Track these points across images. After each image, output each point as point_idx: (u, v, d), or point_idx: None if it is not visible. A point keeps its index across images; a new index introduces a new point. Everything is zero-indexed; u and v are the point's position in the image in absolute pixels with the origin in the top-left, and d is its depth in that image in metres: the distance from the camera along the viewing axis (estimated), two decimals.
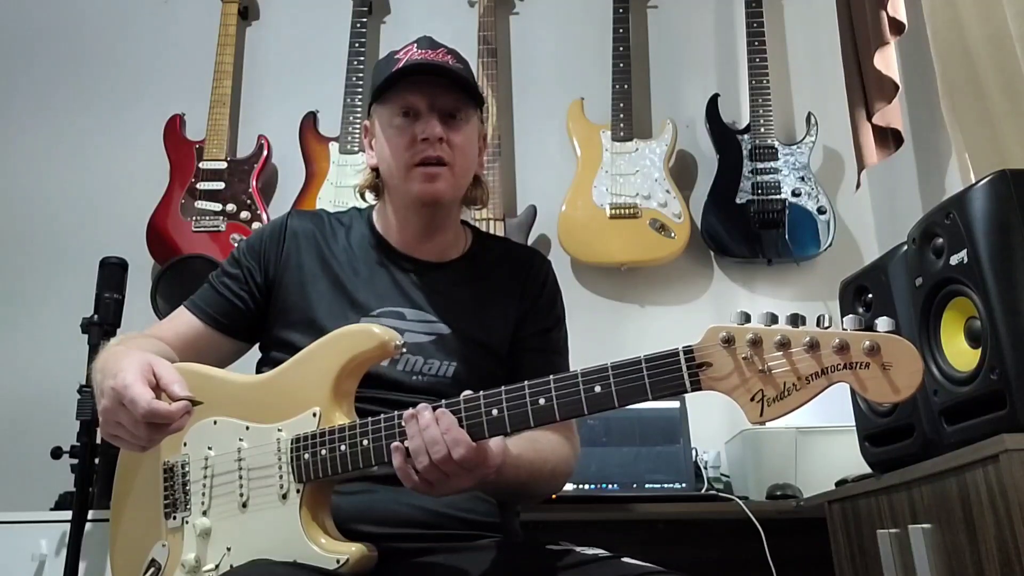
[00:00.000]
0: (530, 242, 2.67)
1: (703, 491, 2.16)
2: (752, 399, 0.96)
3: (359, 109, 2.78)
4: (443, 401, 1.09)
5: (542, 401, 1.05)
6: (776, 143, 2.70)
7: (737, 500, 2.04)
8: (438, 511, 1.24)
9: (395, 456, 1.08)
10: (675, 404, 2.24)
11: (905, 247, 1.55)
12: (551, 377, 1.06)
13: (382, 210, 1.47)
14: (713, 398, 1.02)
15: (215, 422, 1.25)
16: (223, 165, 2.78)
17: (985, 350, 1.30)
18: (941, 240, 1.41)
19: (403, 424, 1.09)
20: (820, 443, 2.13)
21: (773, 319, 0.97)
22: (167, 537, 1.25)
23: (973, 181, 1.45)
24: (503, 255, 1.49)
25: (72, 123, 2.97)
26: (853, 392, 1.61)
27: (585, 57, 2.93)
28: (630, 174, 2.69)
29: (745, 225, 2.63)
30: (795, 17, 2.96)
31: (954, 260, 1.37)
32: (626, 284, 2.73)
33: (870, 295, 1.67)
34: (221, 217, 2.71)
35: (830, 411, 1.81)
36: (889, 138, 2.46)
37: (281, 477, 1.17)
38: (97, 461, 2.02)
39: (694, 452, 2.24)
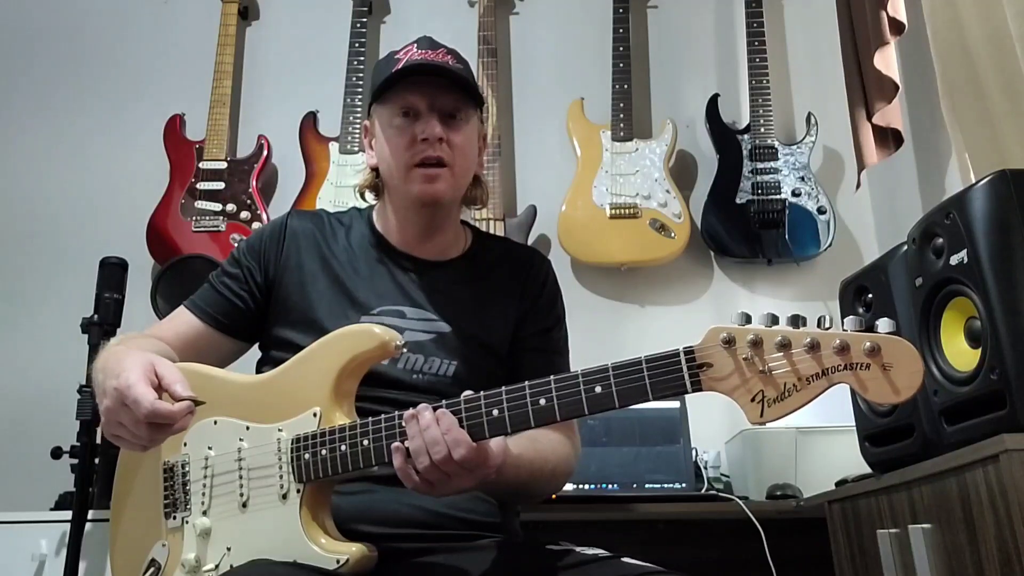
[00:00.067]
0: (530, 242, 2.67)
1: (703, 491, 2.16)
2: (753, 400, 0.97)
3: (359, 109, 2.78)
4: (444, 401, 1.09)
5: (543, 401, 1.05)
6: (776, 143, 2.70)
7: (737, 500, 2.04)
8: (438, 511, 1.24)
9: (396, 456, 1.08)
10: (675, 404, 2.24)
11: (905, 247, 1.55)
12: (552, 377, 1.06)
13: (382, 210, 1.47)
14: (713, 398, 1.02)
15: (215, 422, 1.25)
16: (223, 165, 2.78)
17: (985, 350, 1.30)
18: (941, 240, 1.41)
19: (403, 424, 1.09)
20: (820, 443, 2.13)
21: (774, 320, 0.98)
22: (167, 537, 1.25)
23: (973, 181, 1.45)
24: (503, 255, 1.50)
25: (72, 123, 2.97)
26: (853, 392, 1.61)
27: (585, 57, 2.93)
28: (630, 174, 2.69)
29: (745, 225, 2.63)
30: (795, 17, 2.96)
31: (954, 260, 1.37)
32: (626, 284, 2.73)
33: (870, 295, 1.67)
34: (221, 217, 2.71)
35: (830, 411, 1.82)
36: (889, 138, 2.46)
37: (281, 477, 1.17)
38: (97, 461, 2.02)
39: (694, 452, 2.24)
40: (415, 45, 1.39)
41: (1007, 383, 1.25)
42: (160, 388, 1.13)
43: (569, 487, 2.14)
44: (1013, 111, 1.97)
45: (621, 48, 2.81)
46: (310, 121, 2.83)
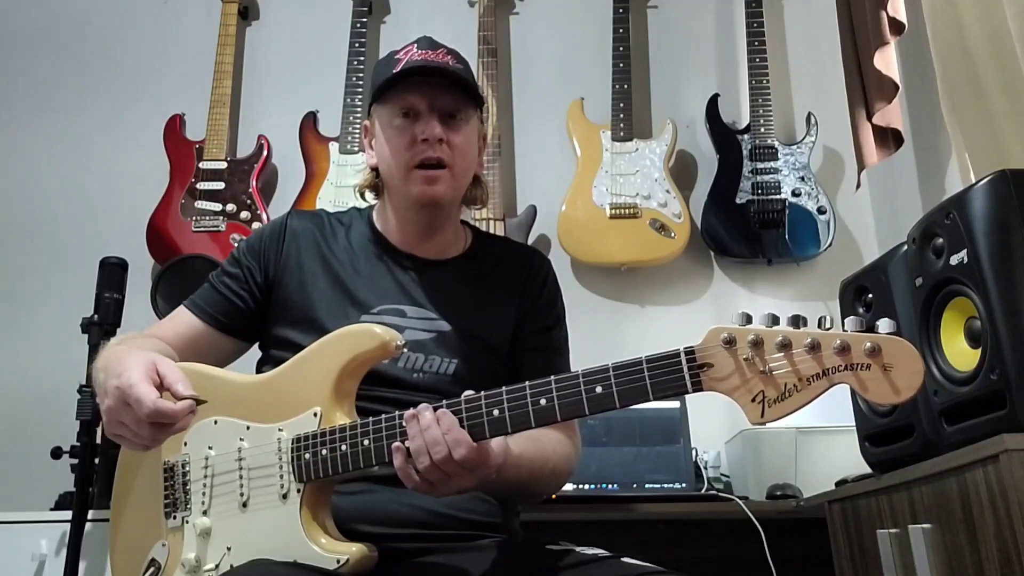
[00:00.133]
0: (530, 242, 2.67)
1: (703, 491, 2.16)
2: (753, 400, 0.97)
3: (359, 109, 2.78)
4: (444, 401, 1.09)
5: (543, 401, 1.05)
6: (776, 143, 2.70)
7: (737, 500, 2.04)
8: (438, 511, 1.24)
9: (396, 456, 1.08)
10: (675, 404, 2.24)
11: (905, 247, 1.55)
12: (552, 377, 1.06)
13: (382, 209, 1.47)
14: (713, 398, 1.02)
15: (216, 422, 1.25)
16: (223, 165, 2.78)
17: (985, 350, 1.30)
18: (941, 240, 1.41)
19: (404, 424, 1.09)
20: (820, 443, 2.13)
21: (774, 320, 0.98)
22: (167, 537, 1.25)
23: (973, 181, 1.45)
24: (503, 254, 1.50)
25: (72, 123, 2.97)
26: (853, 392, 1.61)
27: (585, 57, 2.93)
28: (630, 174, 2.69)
29: (745, 225, 2.63)
30: (795, 17, 2.96)
31: (954, 260, 1.37)
32: (626, 284, 2.73)
33: (870, 295, 1.67)
34: (221, 217, 2.71)
35: (830, 411, 1.82)
36: (889, 138, 2.46)
37: (282, 477, 1.17)
38: (97, 461, 2.02)
39: (694, 452, 2.24)
40: (415, 45, 1.40)
41: (1007, 383, 1.25)
42: (162, 387, 1.13)
43: (569, 487, 2.14)
44: (1013, 111, 1.97)
45: (621, 48, 2.81)
46: (310, 121, 2.83)
